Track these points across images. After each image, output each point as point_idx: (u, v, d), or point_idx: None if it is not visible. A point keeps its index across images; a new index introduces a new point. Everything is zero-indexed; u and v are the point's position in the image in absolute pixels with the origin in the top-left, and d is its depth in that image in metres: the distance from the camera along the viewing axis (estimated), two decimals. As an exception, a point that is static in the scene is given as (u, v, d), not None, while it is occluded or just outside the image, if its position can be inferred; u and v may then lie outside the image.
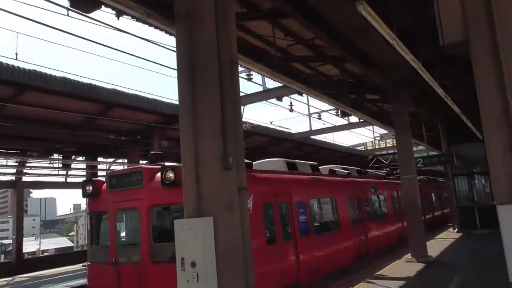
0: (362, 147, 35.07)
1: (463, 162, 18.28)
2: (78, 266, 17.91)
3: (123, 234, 8.59)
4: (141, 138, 15.60)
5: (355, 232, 13.28)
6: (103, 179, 9.14)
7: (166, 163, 8.47)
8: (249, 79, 10.93)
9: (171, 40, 8.07)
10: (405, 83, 11.94)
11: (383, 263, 11.89)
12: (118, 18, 5.94)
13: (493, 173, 3.03)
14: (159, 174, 7.97)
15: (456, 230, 18.33)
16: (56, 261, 20.90)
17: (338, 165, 16.32)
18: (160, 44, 8.15)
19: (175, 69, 4.85)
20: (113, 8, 6.21)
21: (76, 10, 6.02)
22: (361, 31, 7.44)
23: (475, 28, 3.09)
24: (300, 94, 14.22)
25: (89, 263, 8.91)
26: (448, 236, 17.22)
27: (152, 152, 9.34)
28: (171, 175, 7.58)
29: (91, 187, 8.76)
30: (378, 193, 16.18)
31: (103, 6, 6.11)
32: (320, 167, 14.07)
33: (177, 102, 15.95)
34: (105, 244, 8.66)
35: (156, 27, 7.50)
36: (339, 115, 20.52)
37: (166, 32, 7.80)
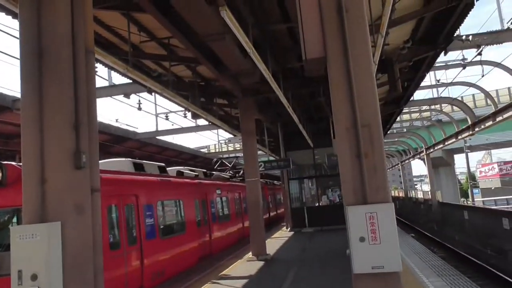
0: (206, 149, 36.13)
1: (296, 167, 20.36)
2: None
3: None
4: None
5: (200, 233, 13.50)
6: None
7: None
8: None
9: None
10: (252, 91, 12.71)
11: (226, 263, 12.34)
12: None
13: (342, 177, 3.44)
14: (-19, 173, 6.75)
15: (289, 229, 20.22)
16: None
17: (186, 167, 16.36)
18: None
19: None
20: None
21: None
22: (217, 36, 7.61)
23: (331, 46, 3.47)
24: (150, 92, 13.82)
25: None
26: (282, 234, 18.88)
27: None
28: (-3, 174, 6.50)
29: None
30: (222, 195, 16.78)
31: None
32: (168, 169, 13.90)
33: (1, 90, 13.68)
34: None
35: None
36: (187, 117, 20.73)
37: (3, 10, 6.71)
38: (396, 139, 32.67)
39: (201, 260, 13.07)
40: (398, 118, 23.86)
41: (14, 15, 6.66)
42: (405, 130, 30.41)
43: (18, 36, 4.15)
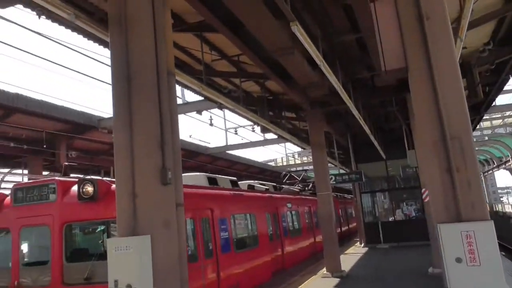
0: (273, 162, 36.37)
1: (368, 180, 19.72)
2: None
3: (29, 254, 7.68)
4: (47, 147, 14.28)
5: (273, 247, 13.50)
6: (6, 192, 8.14)
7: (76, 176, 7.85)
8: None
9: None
10: (321, 103, 12.61)
11: (300, 278, 12.20)
12: (39, 17, 5.42)
13: (432, 192, 3.28)
14: (75, 188, 7.36)
15: (362, 244, 19.57)
16: None
17: (256, 181, 16.55)
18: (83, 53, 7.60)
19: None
20: (34, 7, 5.67)
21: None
22: (286, 50, 7.70)
23: (412, 56, 3.36)
24: (220, 108, 14.25)
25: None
26: (356, 250, 18.31)
27: (66, 163, 8.58)
28: (89, 188, 7.03)
29: (-12, 201, 7.76)
30: (293, 209, 16.70)
31: (21, 5, 5.56)
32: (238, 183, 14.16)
33: (88, 111, 14.98)
34: (5, 266, 7.68)
35: (80, 33, 7.04)
36: (255, 131, 21.06)
37: (91, 38, 7.36)
38: (477, 148, 30.53)
39: (274, 275, 13.04)
40: (478, 126, 22.31)
41: (101, 43, 7.26)
42: (486, 138, 28.29)
43: (107, 62, 4.50)
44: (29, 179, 15.02)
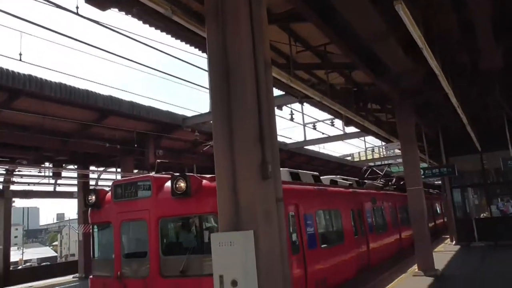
0: (350, 157, 35.31)
1: (460, 174, 18.26)
2: (68, 277, 17.17)
3: (129, 246, 8.13)
4: (138, 146, 15.13)
5: (358, 244, 13.04)
6: (107, 189, 8.70)
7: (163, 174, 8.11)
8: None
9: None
10: (412, 92, 11.83)
11: (388, 276, 11.62)
12: (139, 19, 5.61)
13: None
14: (168, 184, 7.62)
15: (454, 242, 18.24)
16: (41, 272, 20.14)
17: (338, 176, 16.11)
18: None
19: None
20: (129, 9, 5.89)
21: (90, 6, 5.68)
22: (381, 36, 7.26)
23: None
24: (301, 103, 14.00)
25: (91, 276, 8.42)
26: (447, 248, 17.11)
27: (158, 160, 8.94)
28: (182, 184, 7.22)
29: (93, 197, 8.33)
30: (378, 205, 16.01)
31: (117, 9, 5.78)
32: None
33: (173, 110, 15.49)
34: (108, 257, 8.20)
35: (170, 33, 7.22)
36: (334, 125, 20.50)
37: (180, 37, 7.54)
38: None
39: (359, 273, 12.58)
40: None
41: (193, 42, 7.40)
42: None
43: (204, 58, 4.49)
44: (122, 177, 16.06)
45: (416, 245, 11.57)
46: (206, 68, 11.59)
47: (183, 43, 8.09)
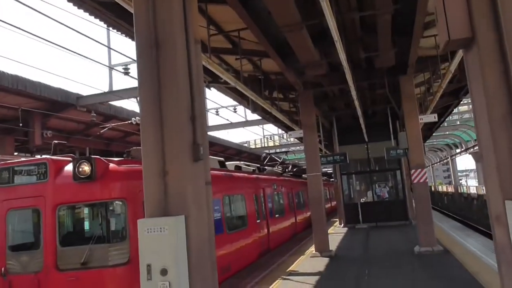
0: (246, 144, 36.39)
1: (350, 162, 19.86)
2: None
3: (16, 238, 7.15)
4: (22, 126, 13.42)
5: (260, 228, 13.40)
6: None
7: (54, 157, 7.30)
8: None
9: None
10: (313, 84, 12.43)
11: (288, 259, 12.16)
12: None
13: (499, 169, 3.14)
14: (67, 167, 6.88)
15: (342, 225, 19.84)
16: None
17: (241, 162, 16.32)
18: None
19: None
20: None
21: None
22: (296, 26, 7.41)
23: (480, 25, 3.17)
24: (209, 87, 13.78)
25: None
26: (336, 230, 18.53)
27: (56, 141, 8.01)
28: (86, 168, 6.58)
29: (-34, 182, 7.16)
30: (277, 190, 16.63)
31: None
32: (225, 163, 13.87)
33: (64, 88, 14.03)
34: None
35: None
36: (236, 112, 20.68)
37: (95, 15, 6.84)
38: (447, 132, 31.46)
39: (260, 256, 12.97)
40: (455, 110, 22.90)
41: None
42: (458, 122, 29.17)
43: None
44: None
45: (314, 229, 12.27)
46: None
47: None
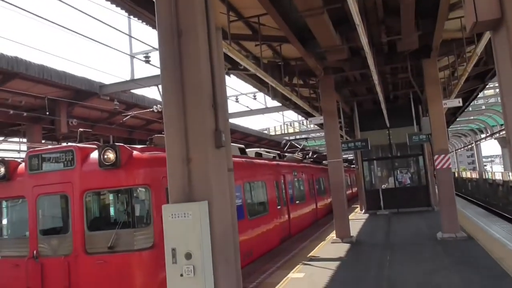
0: (266, 131, 36.33)
1: (371, 148, 19.69)
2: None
3: (47, 222, 7.43)
4: (48, 114, 13.77)
5: (281, 214, 13.49)
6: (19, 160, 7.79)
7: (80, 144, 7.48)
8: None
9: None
10: (334, 69, 12.29)
11: (309, 244, 12.24)
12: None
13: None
14: (93, 154, 7.06)
15: (363, 211, 19.76)
16: None
17: (262, 149, 16.38)
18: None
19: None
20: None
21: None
22: (317, 11, 7.33)
23: (510, 5, 3.08)
24: (228, 74, 13.80)
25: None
26: (357, 216, 18.48)
27: (81, 129, 8.22)
28: (111, 155, 6.73)
29: (2, 169, 7.43)
30: (298, 176, 16.66)
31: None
32: (245, 150, 13.96)
33: (88, 77, 14.25)
34: (20, 235, 7.45)
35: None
36: (256, 99, 20.64)
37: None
38: (472, 117, 30.70)
39: (282, 242, 13.08)
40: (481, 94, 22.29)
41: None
42: (483, 107, 28.38)
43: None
44: (28, 148, 14.57)
45: (335, 214, 12.28)
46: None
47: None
